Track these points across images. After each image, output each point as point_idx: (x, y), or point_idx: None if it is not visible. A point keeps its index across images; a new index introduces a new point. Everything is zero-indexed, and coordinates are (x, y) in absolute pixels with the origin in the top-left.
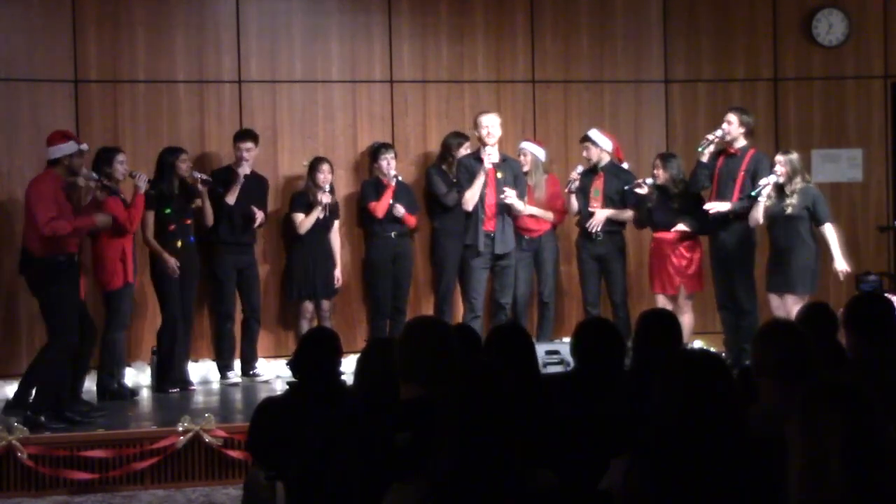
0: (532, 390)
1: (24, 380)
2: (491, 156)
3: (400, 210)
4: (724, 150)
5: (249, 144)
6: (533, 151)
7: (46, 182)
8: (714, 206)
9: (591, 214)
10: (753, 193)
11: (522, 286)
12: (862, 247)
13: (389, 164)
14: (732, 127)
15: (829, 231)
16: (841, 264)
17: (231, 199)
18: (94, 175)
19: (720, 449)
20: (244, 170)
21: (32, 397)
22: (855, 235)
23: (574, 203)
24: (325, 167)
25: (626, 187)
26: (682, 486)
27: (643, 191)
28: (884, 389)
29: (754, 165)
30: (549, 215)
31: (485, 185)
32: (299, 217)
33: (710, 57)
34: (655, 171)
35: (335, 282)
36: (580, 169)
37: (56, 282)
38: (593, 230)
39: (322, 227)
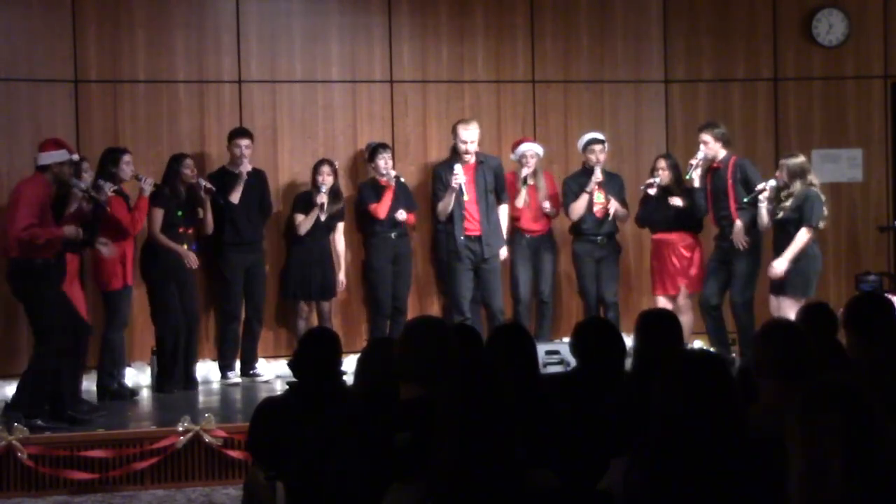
0: (532, 390)
1: (20, 384)
2: (458, 176)
3: (402, 214)
4: (708, 167)
5: (248, 141)
6: (537, 152)
7: (34, 186)
8: (739, 242)
9: (596, 219)
10: (746, 200)
11: (523, 287)
12: (862, 247)
13: (387, 164)
14: (710, 146)
15: (801, 234)
16: (779, 266)
17: (235, 198)
18: (82, 185)
19: (720, 449)
20: (245, 167)
21: (27, 402)
22: (855, 235)
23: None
24: (325, 168)
25: (641, 187)
26: (682, 486)
27: (653, 191)
28: (884, 389)
29: (739, 172)
30: (548, 207)
31: (464, 192)
32: (299, 217)
33: (710, 57)
34: (661, 172)
35: (339, 285)
36: (599, 177)
37: (34, 284)
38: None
39: (323, 228)
